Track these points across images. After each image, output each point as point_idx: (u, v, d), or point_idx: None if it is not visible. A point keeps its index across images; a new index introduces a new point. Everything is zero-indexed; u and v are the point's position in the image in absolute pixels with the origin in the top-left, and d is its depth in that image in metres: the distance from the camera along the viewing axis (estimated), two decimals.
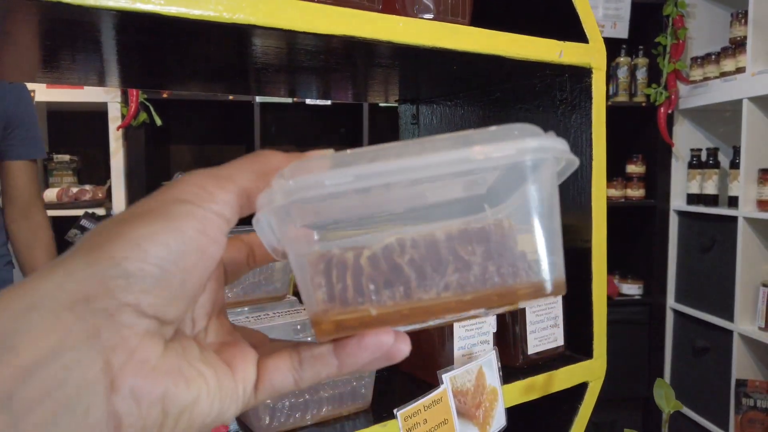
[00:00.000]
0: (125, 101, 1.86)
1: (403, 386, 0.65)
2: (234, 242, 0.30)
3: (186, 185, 0.25)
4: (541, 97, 0.73)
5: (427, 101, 0.92)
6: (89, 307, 0.21)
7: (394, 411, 0.55)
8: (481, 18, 0.63)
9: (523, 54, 0.61)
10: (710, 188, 2.38)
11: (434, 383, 0.59)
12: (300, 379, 0.27)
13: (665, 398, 0.54)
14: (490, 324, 0.66)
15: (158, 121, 1.89)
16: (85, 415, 0.21)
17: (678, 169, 2.52)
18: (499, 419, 0.64)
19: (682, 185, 2.52)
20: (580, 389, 0.71)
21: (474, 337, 0.65)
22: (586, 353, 0.71)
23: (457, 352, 0.64)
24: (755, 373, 2.19)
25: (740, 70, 2.16)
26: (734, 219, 2.17)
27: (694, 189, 2.44)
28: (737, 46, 2.19)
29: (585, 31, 0.66)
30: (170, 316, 0.23)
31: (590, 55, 0.67)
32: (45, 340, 0.20)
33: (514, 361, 0.68)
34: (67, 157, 2.05)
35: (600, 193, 0.69)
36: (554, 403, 0.71)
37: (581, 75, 0.68)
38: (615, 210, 2.77)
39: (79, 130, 2.21)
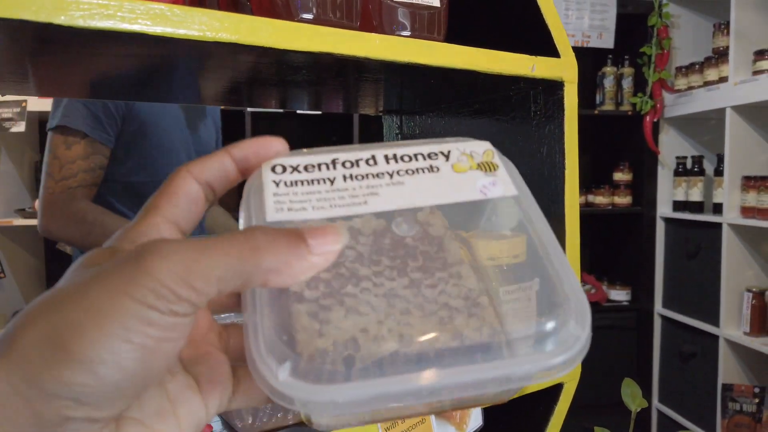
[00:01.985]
0: None
1: None
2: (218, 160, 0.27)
3: (145, 279, 0.21)
4: (517, 108, 0.76)
5: (410, 113, 0.95)
6: (38, 425, 0.20)
7: None
8: (458, 35, 0.66)
9: (496, 68, 0.64)
10: (695, 195, 2.42)
11: None
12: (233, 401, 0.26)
13: (631, 396, 0.57)
14: None
15: None
16: None
17: (664, 176, 2.56)
18: (476, 419, 0.66)
19: (669, 192, 2.56)
20: (556, 390, 0.73)
21: None
22: None
23: None
24: (741, 378, 2.22)
25: (723, 80, 2.20)
26: (719, 225, 2.20)
27: (680, 196, 2.48)
28: (720, 56, 2.24)
29: (556, 45, 0.69)
30: (119, 410, 0.22)
31: (562, 68, 0.70)
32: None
33: None
34: None
35: (573, 201, 0.72)
36: (530, 403, 0.73)
37: (554, 88, 0.71)
38: (602, 217, 2.82)
39: None
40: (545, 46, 0.69)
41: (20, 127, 1.75)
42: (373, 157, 0.29)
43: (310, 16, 0.55)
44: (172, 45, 0.49)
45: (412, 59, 0.58)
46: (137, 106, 1.18)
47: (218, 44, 0.49)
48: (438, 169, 0.29)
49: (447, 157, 0.30)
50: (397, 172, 0.29)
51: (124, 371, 0.20)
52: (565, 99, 0.71)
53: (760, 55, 2.04)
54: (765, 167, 2.16)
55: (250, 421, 0.57)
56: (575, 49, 2.63)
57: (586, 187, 2.71)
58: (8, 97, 1.77)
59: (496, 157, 0.30)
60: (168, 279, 0.20)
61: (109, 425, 0.22)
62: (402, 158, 0.29)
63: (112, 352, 0.20)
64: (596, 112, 2.60)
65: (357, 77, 0.67)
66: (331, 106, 0.94)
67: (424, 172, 0.29)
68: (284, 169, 0.28)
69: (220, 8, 0.59)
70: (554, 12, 0.70)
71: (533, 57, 0.67)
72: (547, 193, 0.74)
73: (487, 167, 0.30)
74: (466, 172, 0.29)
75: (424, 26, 0.61)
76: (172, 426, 0.24)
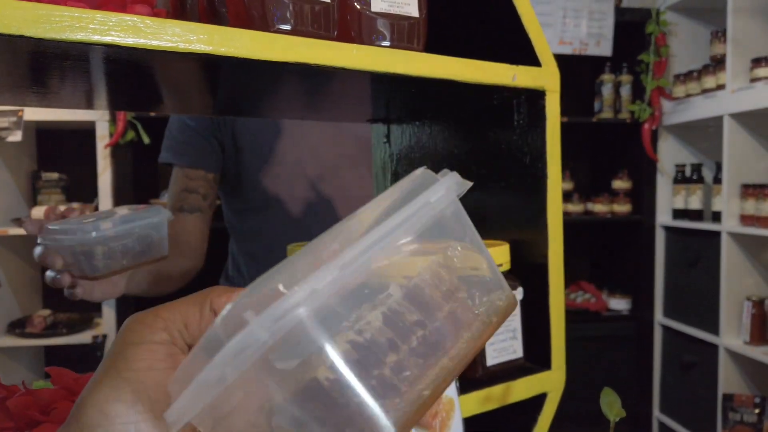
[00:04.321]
0: (113, 120, 1.90)
1: None
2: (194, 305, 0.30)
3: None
4: (501, 117, 0.76)
5: (397, 121, 0.95)
6: None
7: None
8: (440, 45, 0.66)
9: (476, 78, 0.64)
10: (695, 203, 2.41)
11: None
12: None
13: (608, 406, 0.56)
14: None
15: (146, 139, 1.92)
16: None
17: (663, 184, 2.55)
18: (456, 429, 0.65)
19: (668, 200, 2.55)
20: (539, 400, 0.73)
21: None
22: (545, 365, 0.73)
23: None
24: (741, 387, 2.20)
25: (721, 87, 2.20)
26: (718, 234, 2.19)
27: (679, 204, 2.47)
28: (717, 63, 2.24)
29: (538, 55, 0.69)
30: None
31: (543, 78, 0.70)
32: None
33: (474, 372, 0.70)
34: (55, 175, 2.08)
35: (555, 209, 0.72)
36: (514, 414, 0.73)
37: (536, 97, 0.71)
38: (601, 225, 2.81)
39: (68, 149, 2.25)
40: (527, 56, 0.70)
41: (17, 137, 1.77)
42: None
43: (287, 27, 0.55)
44: (149, 56, 0.50)
45: (389, 69, 0.58)
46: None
47: (192, 55, 0.50)
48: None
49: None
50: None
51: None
52: (547, 108, 0.71)
53: (757, 62, 2.04)
54: (764, 175, 2.16)
55: None
56: (573, 57, 2.65)
57: (585, 195, 2.71)
58: (4, 106, 1.79)
59: None
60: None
61: None
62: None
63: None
64: (594, 119, 2.60)
65: (338, 87, 0.67)
66: (318, 116, 0.94)
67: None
68: None
69: (200, 20, 0.60)
70: (535, 22, 0.70)
71: (514, 66, 0.67)
72: (530, 201, 0.74)
73: None
74: None
75: (403, 36, 0.62)
76: None
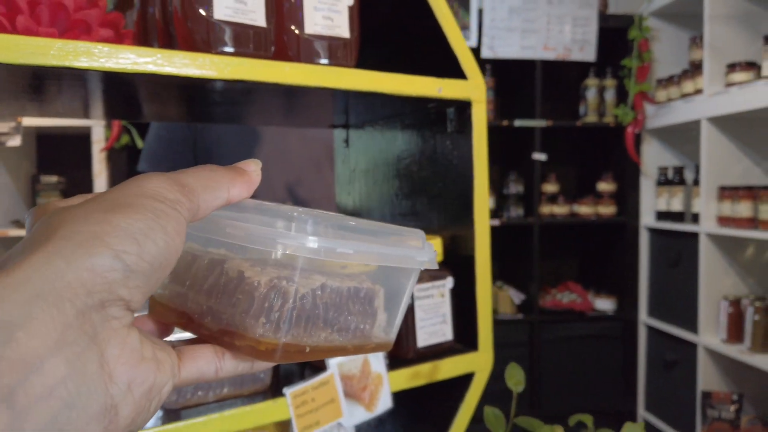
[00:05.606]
0: (109, 125, 2.00)
1: (305, 373, 0.76)
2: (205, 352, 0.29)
3: (154, 185, 0.25)
4: (438, 124, 0.84)
5: (355, 127, 1.04)
6: (87, 299, 0.21)
7: (284, 390, 0.66)
8: (377, 62, 0.75)
9: (404, 90, 0.73)
10: (676, 205, 2.47)
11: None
12: (220, 368, 0.29)
13: (510, 377, 0.64)
14: None
15: (140, 144, 2.02)
16: (84, 408, 0.21)
17: (647, 186, 2.61)
18: (385, 401, 0.74)
19: (652, 202, 2.61)
20: (468, 379, 0.81)
21: None
22: (473, 346, 0.81)
23: None
24: (720, 385, 2.25)
25: (699, 92, 2.26)
26: (696, 235, 2.25)
27: (662, 206, 2.53)
28: (695, 68, 2.30)
29: (463, 69, 0.78)
30: (139, 309, 0.25)
31: (469, 90, 0.78)
32: (46, 334, 0.20)
33: (406, 353, 0.79)
34: (54, 179, 2.19)
35: (482, 207, 0.80)
36: (443, 391, 0.81)
37: (463, 107, 0.79)
38: (587, 227, 2.87)
39: (66, 153, 2.36)
40: (453, 70, 0.78)
41: (16, 141, 1.88)
42: None
43: (229, 49, 0.64)
44: (105, 76, 0.59)
45: (321, 84, 0.67)
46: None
47: (142, 75, 0.58)
48: None
49: None
50: None
51: (157, 246, 0.24)
52: (473, 117, 0.79)
53: (732, 68, 2.10)
54: (740, 177, 2.21)
55: (174, 398, 0.65)
56: (557, 62, 2.73)
57: (570, 197, 2.77)
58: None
59: None
60: (168, 185, 0.26)
61: (135, 330, 0.24)
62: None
63: (148, 226, 0.23)
64: (579, 123, 2.67)
65: (282, 99, 0.76)
66: (284, 122, 1.03)
67: None
68: None
69: (158, 39, 0.69)
70: (461, 38, 0.78)
71: (440, 79, 0.76)
72: (460, 201, 0.82)
73: None
74: None
75: (336, 55, 0.70)
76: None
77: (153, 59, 0.58)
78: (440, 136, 0.85)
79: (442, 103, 0.80)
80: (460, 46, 0.78)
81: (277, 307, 0.28)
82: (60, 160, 2.36)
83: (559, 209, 2.69)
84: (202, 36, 0.63)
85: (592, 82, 2.64)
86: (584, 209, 2.69)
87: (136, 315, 0.25)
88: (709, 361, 2.25)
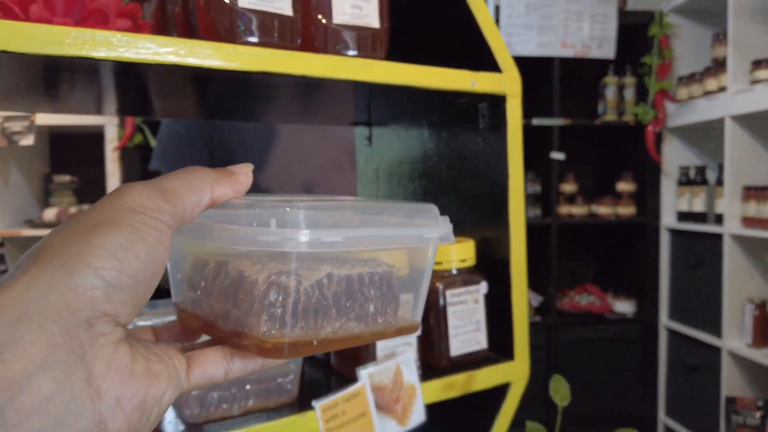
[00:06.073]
0: (122, 124, 1.98)
1: (332, 383, 0.72)
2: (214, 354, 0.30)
3: (134, 197, 0.26)
4: (469, 120, 0.80)
5: (378, 124, 0.99)
6: (72, 318, 0.22)
7: (313, 403, 0.62)
8: (406, 54, 0.70)
9: (435, 84, 0.68)
10: (698, 205, 2.41)
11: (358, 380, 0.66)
12: (229, 370, 0.29)
13: (555, 391, 0.60)
14: None
15: (153, 143, 1.99)
16: (73, 424, 0.21)
17: (668, 186, 2.55)
18: (418, 414, 0.70)
19: (673, 202, 2.55)
20: (503, 389, 0.76)
21: (396, 339, 0.72)
22: (508, 356, 0.76)
23: (380, 352, 0.71)
24: (744, 390, 2.19)
25: (722, 89, 2.20)
26: (720, 236, 2.19)
27: (684, 206, 2.47)
28: (719, 66, 2.24)
29: (498, 61, 0.73)
30: (131, 321, 0.25)
31: (504, 83, 0.74)
32: (33, 354, 0.21)
33: (439, 362, 0.74)
34: (67, 178, 2.17)
35: (517, 208, 0.76)
36: (479, 402, 0.77)
37: (497, 102, 0.75)
38: (606, 228, 2.81)
39: (79, 152, 2.34)
40: (487, 63, 0.73)
41: (29, 140, 1.85)
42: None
43: (254, 39, 0.60)
44: (123, 67, 0.55)
45: (349, 76, 0.63)
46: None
47: (162, 66, 0.55)
48: None
49: None
50: None
51: (138, 259, 0.24)
52: (508, 112, 0.75)
53: (757, 64, 2.04)
54: (765, 176, 2.15)
55: (197, 411, 0.61)
56: (575, 59, 2.67)
57: (589, 197, 2.72)
58: (16, 113, 1.87)
59: None
60: (147, 193, 0.26)
61: (125, 345, 0.24)
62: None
63: (127, 240, 0.24)
64: (598, 122, 2.61)
65: (307, 94, 0.72)
66: (303, 120, 0.99)
67: None
68: None
69: (178, 30, 0.65)
70: (495, 30, 0.74)
71: (474, 72, 0.71)
72: (493, 201, 0.77)
73: None
74: None
75: (365, 46, 0.66)
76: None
77: (175, 49, 0.54)
78: (471, 132, 0.80)
79: (474, 98, 0.75)
80: (494, 36, 0.73)
81: (278, 303, 0.28)
82: (73, 159, 2.34)
83: (578, 209, 2.63)
84: (225, 25, 0.59)
85: (611, 80, 2.59)
86: (603, 209, 2.63)
87: (167, 321, 0.26)
88: (733, 366, 2.19)
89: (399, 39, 0.73)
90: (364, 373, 0.66)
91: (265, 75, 0.59)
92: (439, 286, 0.74)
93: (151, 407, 0.25)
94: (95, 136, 2.12)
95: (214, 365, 0.29)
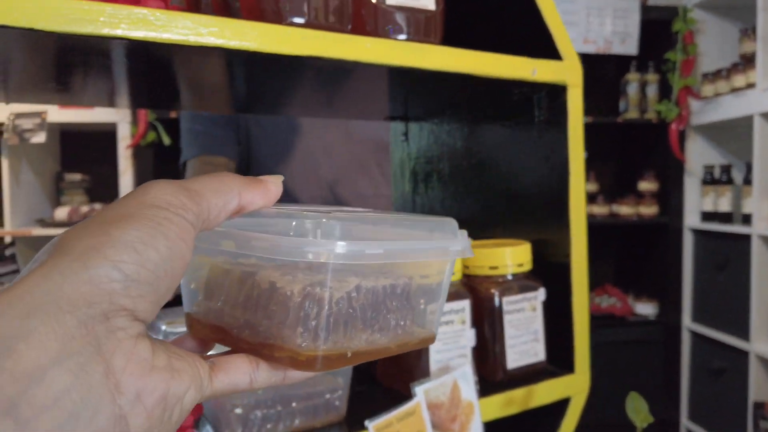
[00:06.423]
0: (134, 121, 1.92)
1: (381, 400, 0.66)
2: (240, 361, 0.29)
3: (158, 193, 0.25)
4: (521, 114, 0.74)
5: (416, 119, 0.93)
6: (88, 310, 0.21)
7: (366, 423, 0.56)
8: (458, 39, 0.64)
9: (494, 72, 0.63)
10: (724, 205, 2.35)
11: (411, 396, 0.60)
12: (255, 380, 0.28)
13: (635, 411, 0.54)
14: (467, 338, 0.67)
15: (166, 141, 1.94)
16: (91, 419, 0.21)
17: (692, 185, 2.49)
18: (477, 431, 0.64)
19: (696, 202, 2.49)
20: (563, 404, 0.70)
21: (451, 351, 0.66)
22: (568, 368, 0.70)
23: (434, 366, 0.65)
24: None
25: (750, 86, 2.14)
26: (748, 236, 2.13)
27: (708, 206, 2.40)
28: (747, 62, 2.18)
29: (558, 48, 0.67)
30: (151, 319, 0.24)
31: (565, 72, 0.68)
32: (47, 345, 0.20)
33: (495, 375, 0.68)
34: (78, 176, 2.11)
35: (579, 208, 0.70)
36: (537, 418, 0.71)
37: (557, 92, 0.69)
38: (627, 228, 2.75)
39: (90, 150, 2.29)
40: (547, 50, 0.68)
41: (41, 138, 1.80)
42: None
43: (300, 20, 0.54)
44: (160, 49, 0.49)
45: (404, 63, 0.57)
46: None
47: (203, 49, 0.49)
48: None
49: None
50: None
51: (159, 254, 0.23)
52: (569, 103, 0.69)
53: None
54: None
55: (240, 430, 0.55)
56: (597, 55, 2.59)
57: (610, 197, 2.65)
58: (28, 108, 1.82)
59: None
60: (172, 190, 0.25)
61: (145, 340, 0.23)
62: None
63: (148, 234, 0.23)
64: (620, 120, 2.55)
65: (352, 82, 0.66)
66: (335, 113, 0.93)
67: None
68: None
69: (214, 13, 0.59)
70: (556, 15, 0.68)
71: (534, 60, 0.65)
72: (552, 200, 0.71)
73: None
74: None
75: (419, 30, 0.60)
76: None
77: (219, 29, 0.48)
78: (524, 126, 0.74)
79: (531, 88, 0.69)
80: (555, 21, 0.67)
81: (313, 315, 0.28)
82: (84, 157, 2.28)
83: (599, 209, 2.57)
84: (271, 5, 0.53)
85: (633, 77, 2.52)
86: (625, 209, 2.56)
87: (178, 333, 0.24)
88: (761, 370, 2.12)
89: (449, 22, 0.67)
90: (420, 389, 0.60)
91: (314, 60, 0.53)
92: (495, 292, 0.68)
93: (173, 404, 0.24)
94: (107, 134, 2.07)
95: (239, 372, 0.28)
